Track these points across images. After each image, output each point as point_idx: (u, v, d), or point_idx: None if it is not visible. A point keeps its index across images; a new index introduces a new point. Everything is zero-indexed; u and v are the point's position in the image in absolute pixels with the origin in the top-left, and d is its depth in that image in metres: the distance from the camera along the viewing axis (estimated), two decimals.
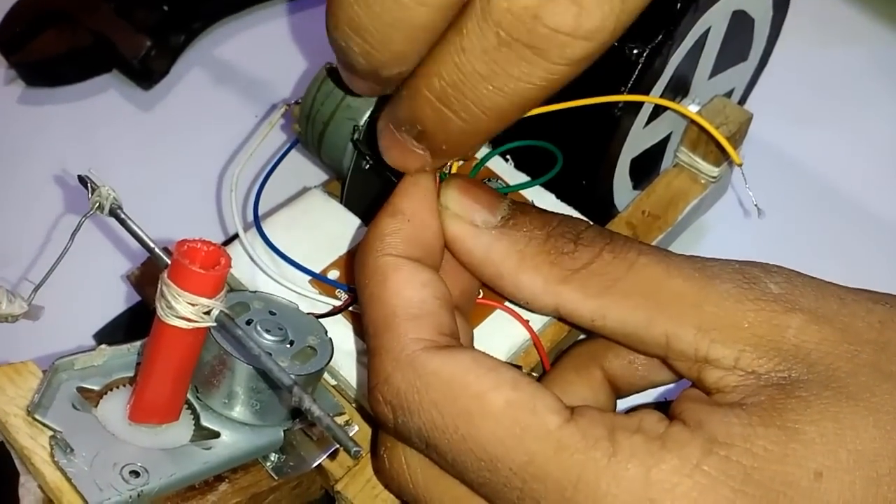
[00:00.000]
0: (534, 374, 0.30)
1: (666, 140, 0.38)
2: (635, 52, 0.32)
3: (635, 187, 0.40)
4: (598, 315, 0.25)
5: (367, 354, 0.25)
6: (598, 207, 0.36)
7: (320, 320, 0.29)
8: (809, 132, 0.45)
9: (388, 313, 0.24)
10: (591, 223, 0.27)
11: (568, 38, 0.21)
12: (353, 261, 0.26)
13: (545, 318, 0.31)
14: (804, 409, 0.22)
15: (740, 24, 0.37)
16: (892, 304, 0.24)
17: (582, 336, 0.30)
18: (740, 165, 0.34)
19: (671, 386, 0.28)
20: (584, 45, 0.21)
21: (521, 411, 0.22)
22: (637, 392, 0.29)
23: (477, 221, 0.26)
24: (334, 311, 0.30)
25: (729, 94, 0.40)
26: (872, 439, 0.21)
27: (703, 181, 0.37)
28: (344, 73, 0.25)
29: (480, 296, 0.30)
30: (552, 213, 0.27)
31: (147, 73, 0.46)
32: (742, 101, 0.42)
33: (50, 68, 0.45)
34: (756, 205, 0.35)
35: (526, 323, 0.30)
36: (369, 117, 0.33)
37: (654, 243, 0.35)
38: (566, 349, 0.29)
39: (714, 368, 0.24)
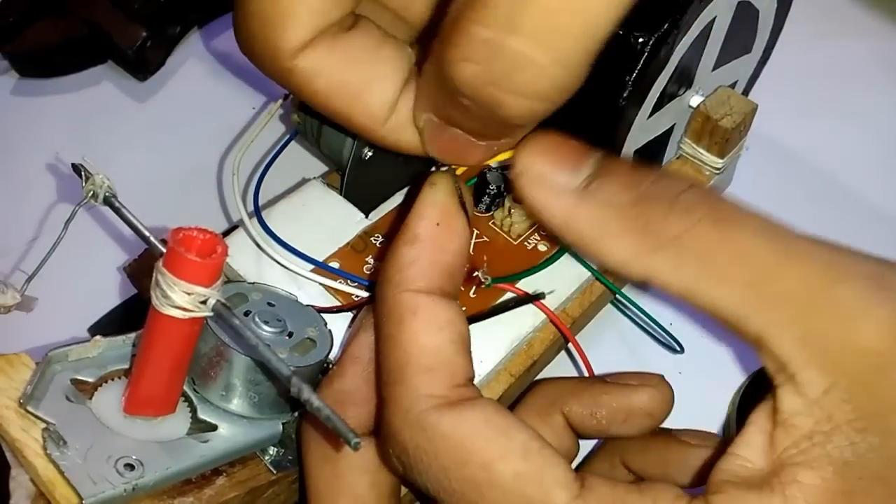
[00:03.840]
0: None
1: (669, 131, 0.37)
2: (640, 41, 0.31)
3: None
4: (690, 293, 0.22)
5: (379, 395, 0.24)
6: None
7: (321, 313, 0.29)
8: (812, 125, 0.45)
9: (402, 362, 0.23)
10: (696, 183, 0.23)
11: None
12: (376, 290, 0.25)
13: (564, 296, 0.30)
14: None
15: (745, 14, 0.37)
16: None
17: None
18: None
19: None
20: None
21: (530, 484, 0.22)
22: (597, 438, 0.28)
23: (557, 184, 0.24)
24: (343, 308, 0.30)
25: (732, 86, 0.40)
26: None
27: (707, 172, 0.37)
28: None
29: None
30: (649, 169, 0.24)
31: (142, 63, 0.45)
32: (745, 93, 0.42)
33: (44, 58, 0.45)
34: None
35: (540, 304, 0.30)
36: None
37: None
38: (530, 387, 0.29)
39: (796, 395, 0.21)
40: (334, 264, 0.31)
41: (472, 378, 0.24)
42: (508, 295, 0.30)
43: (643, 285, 0.25)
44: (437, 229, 0.25)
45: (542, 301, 0.30)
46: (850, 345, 0.21)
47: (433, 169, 0.26)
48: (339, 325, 0.29)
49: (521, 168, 0.24)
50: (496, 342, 0.29)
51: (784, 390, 0.21)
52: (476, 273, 0.30)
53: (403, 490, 0.27)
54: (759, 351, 0.22)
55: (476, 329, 0.29)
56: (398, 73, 0.25)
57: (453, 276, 0.25)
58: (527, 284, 0.31)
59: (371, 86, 0.25)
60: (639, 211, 0.23)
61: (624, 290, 0.33)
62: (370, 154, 0.33)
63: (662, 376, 0.28)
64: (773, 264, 0.21)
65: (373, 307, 0.25)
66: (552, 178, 0.24)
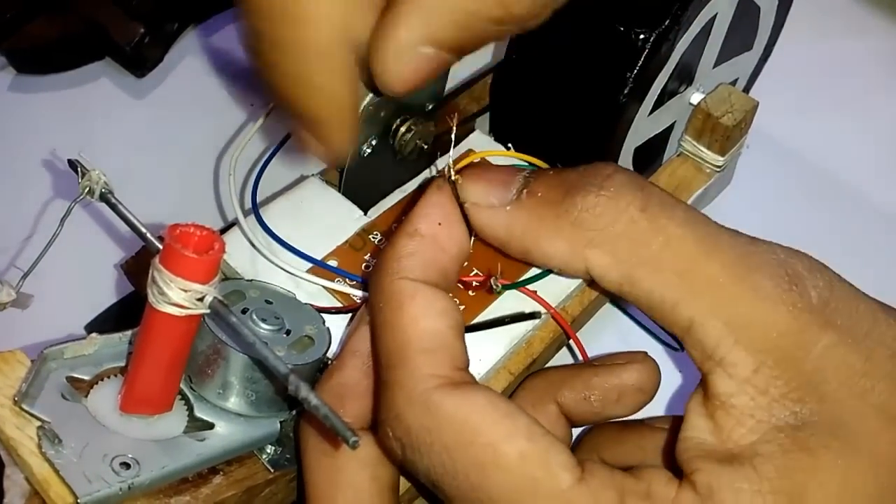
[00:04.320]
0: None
1: (670, 129, 0.37)
2: (642, 36, 0.31)
3: None
4: (627, 282, 0.24)
5: (378, 382, 0.24)
6: None
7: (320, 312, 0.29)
8: (813, 122, 0.45)
9: (403, 344, 0.23)
10: (621, 167, 0.25)
11: None
12: (370, 279, 0.26)
13: (563, 294, 0.30)
14: (812, 468, 0.21)
15: (746, 12, 0.37)
16: None
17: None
18: None
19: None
20: None
21: (535, 466, 0.22)
22: (592, 423, 0.29)
23: (494, 202, 0.26)
24: (341, 311, 0.29)
25: (733, 84, 0.40)
26: (870, 498, 0.21)
27: (707, 170, 0.37)
28: None
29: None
30: (576, 168, 0.26)
31: (140, 60, 0.45)
32: (746, 90, 0.42)
33: (41, 55, 0.45)
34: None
35: (540, 299, 0.29)
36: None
37: None
38: (522, 382, 0.29)
39: (727, 377, 0.22)
40: (332, 262, 0.31)
41: (468, 365, 0.24)
42: (506, 294, 0.30)
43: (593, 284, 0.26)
44: (439, 229, 0.25)
45: (544, 298, 0.29)
46: (770, 326, 0.22)
47: (445, 166, 0.26)
48: (337, 323, 0.29)
49: (463, 199, 0.26)
50: (496, 340, 0.29)
51: (715, 375, 0.23)
52: (490, 279, 0.29)
53: (403, 487, 0.27)
54: (687, 339, 0.23)
55: None
56: None
57: (447, 278, 0.25)
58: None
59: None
60: (568, 205, 0.24)
61: None
62: (369, 151, 0.33)
63: (646, 352, 0.28)
64: (700, 252, 0.23)
65: (369, 293, 0.25)
66: (487, 199, 0.26)
